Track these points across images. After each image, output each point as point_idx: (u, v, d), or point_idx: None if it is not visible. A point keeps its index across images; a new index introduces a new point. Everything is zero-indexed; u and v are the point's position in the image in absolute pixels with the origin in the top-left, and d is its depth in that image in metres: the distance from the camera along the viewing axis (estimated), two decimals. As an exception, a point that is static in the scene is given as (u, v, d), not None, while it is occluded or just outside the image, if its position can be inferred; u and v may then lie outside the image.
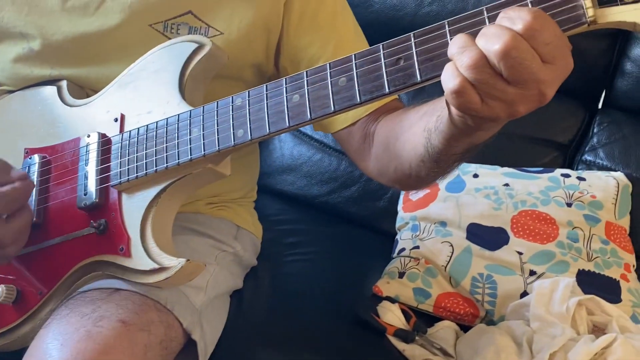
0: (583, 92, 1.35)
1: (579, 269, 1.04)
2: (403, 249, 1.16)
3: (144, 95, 0.80)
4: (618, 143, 1.27)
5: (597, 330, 0.96)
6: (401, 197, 1.29)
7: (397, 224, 1.25)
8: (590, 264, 1.05)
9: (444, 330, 0.98)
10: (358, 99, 0.63)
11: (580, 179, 1.18)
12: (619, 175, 1.19)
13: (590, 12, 0.53)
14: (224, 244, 0.97)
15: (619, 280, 1.05)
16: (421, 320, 1.01)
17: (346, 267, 1.22)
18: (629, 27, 0.54)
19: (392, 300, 1.05)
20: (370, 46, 0.64)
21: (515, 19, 0.51)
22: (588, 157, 1.29)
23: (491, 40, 0.51)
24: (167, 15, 0.86)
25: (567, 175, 1.19)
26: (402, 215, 1.25)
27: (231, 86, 0.89)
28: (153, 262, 0.73)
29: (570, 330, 0.91)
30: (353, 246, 1.33)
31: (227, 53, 0.80)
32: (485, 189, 1.18)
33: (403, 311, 1.01)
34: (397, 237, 1.21)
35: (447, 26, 0.59)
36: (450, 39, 0.58)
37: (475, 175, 1.22)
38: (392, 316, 0.98)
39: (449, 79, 0.53)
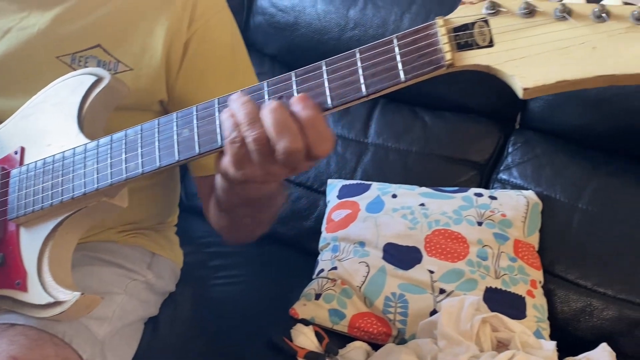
0: (499, 112, 1.40)
1: (486, 287, 1.08)
2: (322, 270, 1.17)
3: (44, 128, 0.80)
4: (531, 162, 1.32)
5: (502, 346, 0.99)
6: (325, 217, 1.31)
7: (320, 245, 1.27)
8: (497, 281, 1.09)
9: (354, 351, 1.01)
10: (243, 135, 0.65)
11: (492, 198, 1.22)
12: (530, 194, 1.24)
13: (448, 56, 0.57)
14: (135, 273, 0.97)
15: (524, 297, 1.09)
16: (334, 342, 1.03)
17: (270, 289, 1.23)
18: (484, 69, 0.57)
19: (307, 322, 1.07)
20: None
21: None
22: (503, 176, 1.33)
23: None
24: (76, 48, 0.87)
25: (479, 195, 1.23)
26: (325, 235, 1.27)
27: (141, 117, 0.88)
28: (49, 296, 0.73)
29: (474, 347, 0.94)
30: (279, 267, 1.34)
31: (127, 85, 0.80)
32: (403, 209, 1.21)
33: (317, 333, 1.03)
34: (319, 258, 1.23)
35: (323, 66, 0.62)
36: (327, 78, 0.61)
37: (394, 196, 1.25)
38: (304, 339, 1.00)
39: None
